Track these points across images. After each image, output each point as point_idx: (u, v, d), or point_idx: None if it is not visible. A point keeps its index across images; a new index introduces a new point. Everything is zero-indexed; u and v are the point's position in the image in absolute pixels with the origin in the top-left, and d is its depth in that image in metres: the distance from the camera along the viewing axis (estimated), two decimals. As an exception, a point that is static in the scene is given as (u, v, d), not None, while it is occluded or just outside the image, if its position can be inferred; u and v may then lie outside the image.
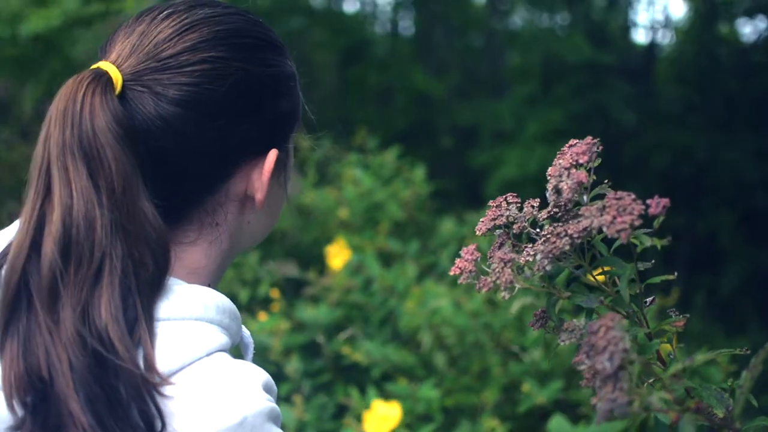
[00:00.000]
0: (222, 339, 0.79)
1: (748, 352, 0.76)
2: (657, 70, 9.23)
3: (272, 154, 0.87)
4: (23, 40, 3.30)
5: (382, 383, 2.43)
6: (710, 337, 5.21)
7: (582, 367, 0.64)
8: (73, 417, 0.70)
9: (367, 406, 2.28)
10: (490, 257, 0.76)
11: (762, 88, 7.87)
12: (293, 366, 2.50)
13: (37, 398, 0.71)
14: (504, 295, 0.71)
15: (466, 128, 8.49)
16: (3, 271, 0.76)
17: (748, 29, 8.94)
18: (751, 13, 8.52)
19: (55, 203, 0.75)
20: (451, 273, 0.76)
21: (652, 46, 9.39)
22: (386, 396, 2.40)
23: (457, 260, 0.77)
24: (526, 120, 7.51)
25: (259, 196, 0.87)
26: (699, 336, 5.10)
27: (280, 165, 0.89)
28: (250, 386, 0.75)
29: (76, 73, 0.81)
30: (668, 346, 0.80)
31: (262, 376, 0.77)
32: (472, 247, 0.77)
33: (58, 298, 0.73)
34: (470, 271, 0.75)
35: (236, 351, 0.88)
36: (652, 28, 9.44)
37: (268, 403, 0.75)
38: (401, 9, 10.66)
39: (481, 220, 0.81)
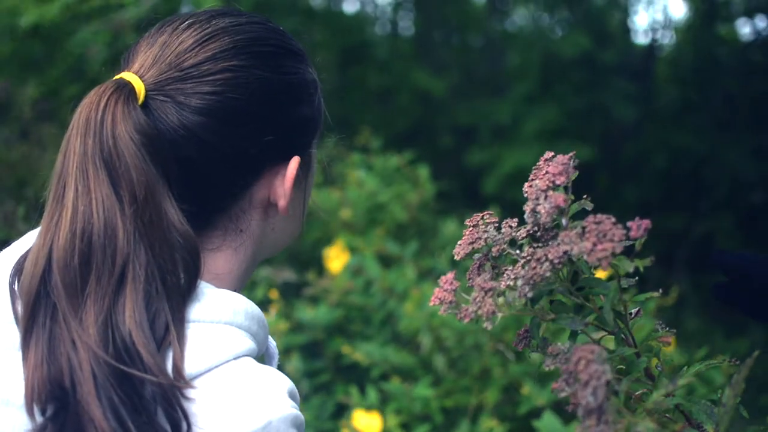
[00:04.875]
0: (249, 344, 0.79)
1: (737, 362, 0.76)
2: (657, 69, 9.23)
3: (294, 161, 0.88)
4: (22, 33, 3.28)
5: (382, 384, 2.43)
6: (710, 338, 5.21)
7: (562, 394, 0.64)
8: (94, 422, 0.70)
9: (365, 406, 2.28)
10: (469, 279, 0.75)
11: (761, 88, 7.87)
12: (293, 365, 2.50)
13: (58, 406, 0.72)
14: (486, 325, 0.70)
15: (466, 128, 8.49)
16: (21, 280, 0.77)
17: (747, 29, 8.94)
18: (750, 13, 8.52)
19: (68, 213, 0.75)
20: (431, 304, 0.75)
21: (652, 45, 9.39)
22: (384, 396, 2.40)
23: (436, 290, 0.75)
24: (524, 118, 7.50)
25: (281, 202, 0.88)
26: (699, 336, 5.10)
27: (302, 172, 0.90)
28: (275, 391, 0.76)
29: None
30: (657, 359, 0.79)
31: (287, 383, 0.78)
32: (450, 275, 0.76)
33: (80, 306, 0.73)
34: (450, 302, 0.74)
35: (261, 360, 0.88)
36: (652, 28, 9.44)
37: (292, 409, 0.76)
38: (401, 9, 10.66)
39: (458, 243, 0.79)
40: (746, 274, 0.77)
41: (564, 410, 2.06)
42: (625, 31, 9.49)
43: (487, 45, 9.93)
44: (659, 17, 9.56)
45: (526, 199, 0.79)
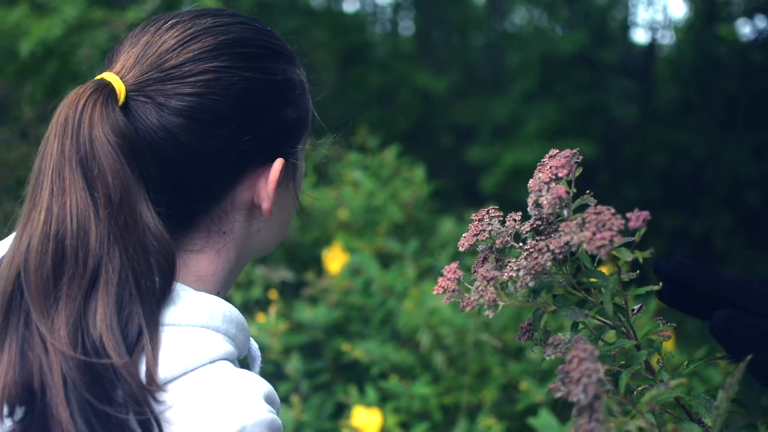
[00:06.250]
0: (226, 348, 0.79)
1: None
2: (657, 69, 9.23)
3: (278, 164, 0.86)
4: (23, 60, 3.29)
5: (381, 383, 2.43)
6: (710, 338, 5.21)
7: (558, 395, 0.64)
8: (61, 426, 0.70)
9: (365, 405, 2.29)
10: (474, 272, 0.76)
11: (760, 88, 7.88)
12: (293, 365, 2.50)
13: (27, 409, 0.72)
14: (488, 313, 0.71)
15: (465, 127, 8.50)
16: None
17: (747, 29, 8.95)
18: (750, 13, 8.53)
19: (42, 214, 0.75)
20: (434, 292, 0.76)
21: (652, 45, 9.40)
22: (383, 394, 2.40)
23: (440, 279, 0.76)
24: (524, 117, 7.50)
25: (265, 204, 0.86)
26: (698, 336, 5.10)
27: (288, 174, 0.89)
28: (250, 396, 0.75)
29: (74, 74, 0.81)
30: (658, 354, 0.79)
31: (264, 386, 0.77)
32: (454, 265, 0.76)
33: (52, 309, 0.73)
34: (453, 290, 0.75)
35: (243, 363, 0.87)
36: (652, 28, 9.45)
37: (268, 414, 0.74)
38: (401, 9, 10.67)
39: (463, 235, 0.80)
40: (681, 283, 0.77)
41: (561, 408, 2.07)
42: (625, 30, 9.50)
43: (487, 44, 9.94)
44: (659, 17, 9.57)
45: (525, 197, 0.80)
